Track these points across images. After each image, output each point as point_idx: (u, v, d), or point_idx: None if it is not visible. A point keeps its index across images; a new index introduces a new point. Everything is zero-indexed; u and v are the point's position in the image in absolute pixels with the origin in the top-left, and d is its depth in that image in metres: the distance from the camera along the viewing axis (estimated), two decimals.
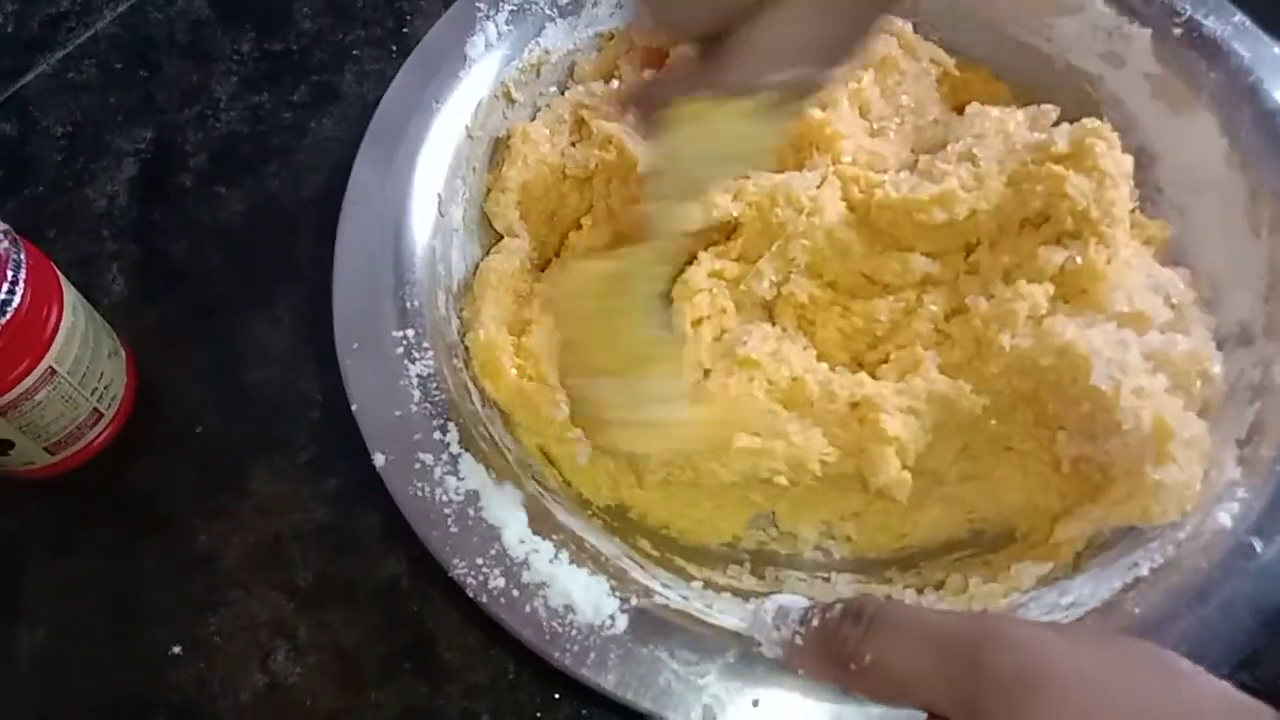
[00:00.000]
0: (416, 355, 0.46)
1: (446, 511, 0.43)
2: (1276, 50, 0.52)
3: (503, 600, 0.41)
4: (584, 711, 0.46)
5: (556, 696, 0.46)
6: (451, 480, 0.43)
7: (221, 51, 0.62)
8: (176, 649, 0.47)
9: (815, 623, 0.38)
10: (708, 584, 0.46)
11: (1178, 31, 0.52)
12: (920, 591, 0.46)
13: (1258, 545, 0.42)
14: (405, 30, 0.62)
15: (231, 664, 0.47)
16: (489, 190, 0.54)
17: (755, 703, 0.39)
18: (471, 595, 0.41)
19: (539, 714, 0.46)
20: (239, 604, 0.48)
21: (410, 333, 0.47)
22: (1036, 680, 0.33)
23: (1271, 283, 0.47)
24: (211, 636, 0.47)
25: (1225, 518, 0.43)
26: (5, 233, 0.43)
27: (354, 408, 0.45)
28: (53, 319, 0.45)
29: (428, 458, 0.44)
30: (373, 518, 0.50)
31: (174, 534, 0.50)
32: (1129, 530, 0.45)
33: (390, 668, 0.47)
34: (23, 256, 0.44)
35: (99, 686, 0.47)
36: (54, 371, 0.45)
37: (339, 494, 0.51)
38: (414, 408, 0.45)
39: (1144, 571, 0.43)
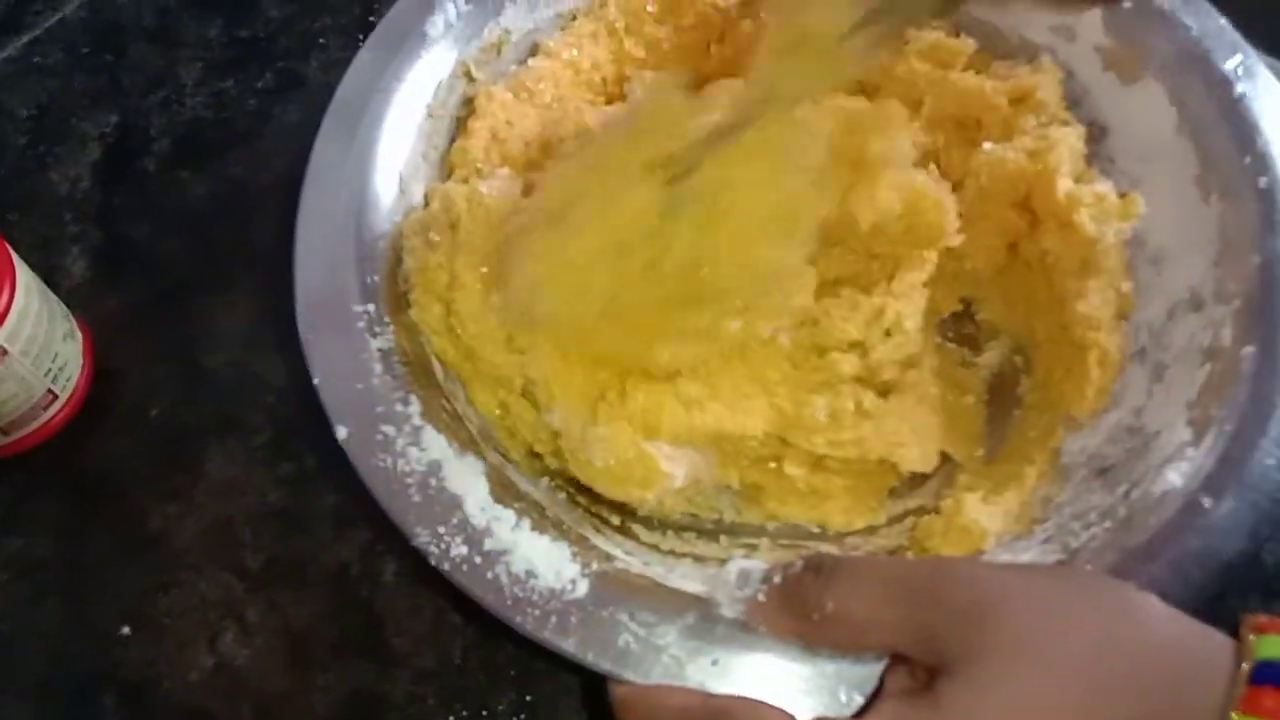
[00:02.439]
0: (378, 330, 0.47)
1: (409, 482, 0.43)
2: (1222, 21, 0.52)
3: (465, 568, 0.41)
4: (528, 698, 0.46)
5: (502, 683, 0.46)
6: (414, 451, 0.44)
7: (188, 37, 0.62)
8: (126, 629, 0.47)
9: (777, 580, 0.38)
10: (668, 551, 0.47)
11: (1128, 4, 0.53)
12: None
13: (1207, 503, 0.42)
14: (372, 19, 0.62)
15: (180, 644, 0.47)
16: (453, 143, 0.54)
17: (714, 662, 0.39)
18: (434, 563, 0.41)
19: (484, 699, 0.46)
20: (189, 585, 0.48)
21: (371, 308, 0.47)
22: (991, 607, 0.35)
23: (1221, 248, 0.48)
24: (161, 617, 0.48)
25: (1175, 477, 0.43)
26: None
27: (316, 381, 0.45)
28: (3, 299, 0.45)
29: (390, 430, 0.44)
30: (325, 503, 0.50)
31: (127, 515, 0.50)
32: (1083, 489, 0.46)
33: (338, 651, 0.47)
34: None
35: (48, 665, 0.47)
36: (5, 352, 0.46)
37: (293, 478, 0.51)
38: (375, 381, 0.45)
39: (1096, 531, 0.43)
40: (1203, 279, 0.48)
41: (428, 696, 0.46)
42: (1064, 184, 0.48)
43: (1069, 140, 0.50)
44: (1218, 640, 0.34)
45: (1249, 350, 0.45)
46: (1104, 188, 0.49)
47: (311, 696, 0.46)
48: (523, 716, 0.46)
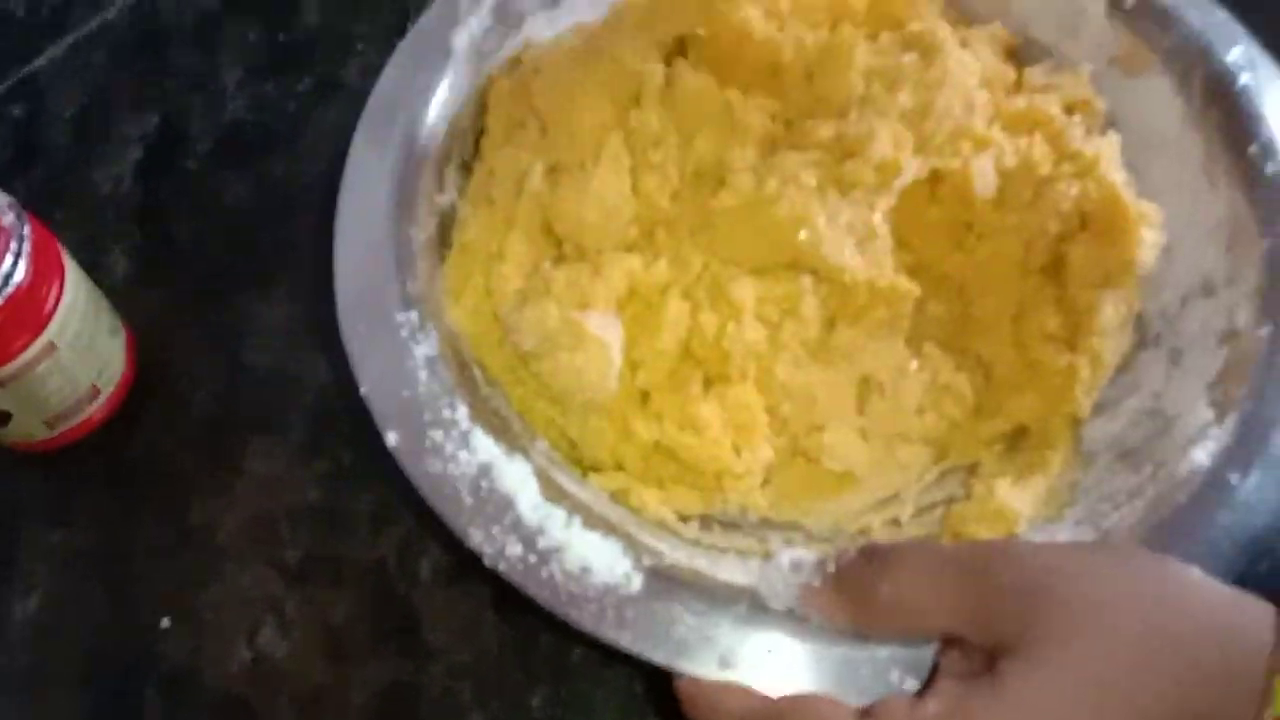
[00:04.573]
0: (421, 337, 0.48)
1: (460, 485, 0.44)
2: (1222, 15, 0.54)
3: (520, 566, 0.42)
4: (562, 692, 0.47)
5: (537, 678, 0.47)
6: (463, 455, 0.44)
7: (229, 41, 0.64)
8: (166, 621, 0.48)
9: (830, 568, 0.39)
10: (710, 545, 0.47)
11: (1130, 1, 0.54)
12: None
13: (1234, 479, 0.44)
14: (409, 24, 0.62)
15: (220, 637, 0.48)
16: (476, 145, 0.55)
17: (768, 650, 0.40)
18: (489, 564, 0.42)
19: (520, 694, 0.47)
20: (229, 579, 0.49)
21: (413, 315, 0.48)
22: (1043, 587, 0.36)
23: (1232, 234, 0.49)
24: (201, 609, 0.48)
25: (1202, 456, 0.44)
26: (10, 205, 0.44)
27: (363, 390, 0.46)
28: (54, 293, 0.46)
29: (438, 434, 0.45)
30: (362, 501, 0.51)
31: (168, 509, 0.51)
32: (1108, 472, 0.47)
33: (376, 645, 0.48)
34: (26, 230, 0.45)
35: (90, 655, 0.48)
36: (54, 346, 0.46)
37: (331, 476, 0.51)
38: (422, 388, 0.46)
39: (1126, 511, 0.44)
40: (1214, 265, 0.50)
41: (463, 690, 0.47)
42: (1128, 198, 0.49)
43: (1113, 147, 0.50)
44: (1260, 606, 0.35)
45: (1266, 330, 0.47)
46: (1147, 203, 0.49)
47: (349, 689, 0.47)
48: (558, 711, 0.46)
